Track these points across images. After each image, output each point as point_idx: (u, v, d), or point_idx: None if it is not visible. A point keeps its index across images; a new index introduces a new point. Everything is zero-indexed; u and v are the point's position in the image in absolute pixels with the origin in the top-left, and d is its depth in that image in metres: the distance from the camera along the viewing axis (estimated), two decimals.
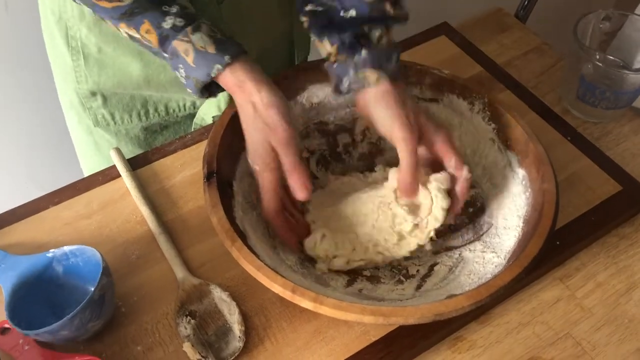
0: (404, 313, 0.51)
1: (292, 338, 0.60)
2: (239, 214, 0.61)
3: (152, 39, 0.58)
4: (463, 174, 0.60)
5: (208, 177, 0.59)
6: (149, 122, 0.83)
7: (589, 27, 0.78)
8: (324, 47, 0.63)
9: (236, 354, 0.58)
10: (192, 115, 0.83)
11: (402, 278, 0.63)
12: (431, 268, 0.64)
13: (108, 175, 0.74)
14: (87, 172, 0.91)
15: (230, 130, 0.63)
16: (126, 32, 0.60)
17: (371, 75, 0.60)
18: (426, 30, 0.90)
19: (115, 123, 0.82)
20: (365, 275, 0.63)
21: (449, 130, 0.63)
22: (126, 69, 0.77)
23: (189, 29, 0.57)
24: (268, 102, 0.58)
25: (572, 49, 0.76)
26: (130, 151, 0.84)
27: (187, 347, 0.58)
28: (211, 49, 0.57)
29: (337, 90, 0.64)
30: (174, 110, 0.83)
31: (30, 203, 0.72)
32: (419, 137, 0.60)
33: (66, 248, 0.60)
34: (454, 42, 0.88)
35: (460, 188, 0.61)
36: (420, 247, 0.62)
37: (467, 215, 0.67)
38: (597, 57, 0.74)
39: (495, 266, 0.59)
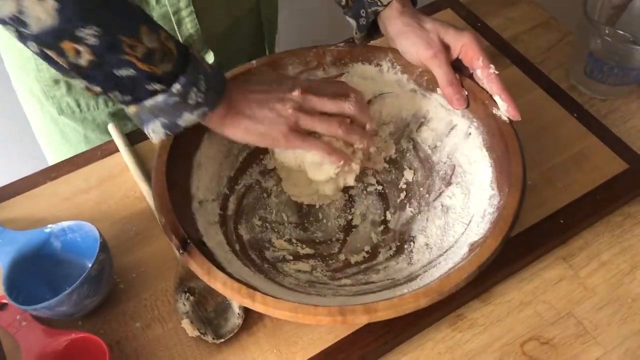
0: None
1: None
2: (232, 268, 0.55)
3: (173, 47, 0.52)
4: (491, 70, 0.62)
5: (184, 246, 0.53)
6: (115, 108, 0.79)
7: (598, 1, 0.76)
8: None
9: (235, 331, 0.58)
10: None
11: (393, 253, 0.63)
12: (423, 229, 0.64)
13: (106, 150, 0.73)
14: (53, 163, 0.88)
15: (172, 188, 0.58)
16: (134, 44, 0.50)
17: None
18: (432, 3, 0.88)
19: (80, 110, 0.79)
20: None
21: (471, 30, 0.64)
22: None
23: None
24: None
25: (581, 24, 0.74)
26: (99, 138, 0.80)
27: (185, 323, 0.58)
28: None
29: (360, 27, 0.69)
30: None
31: (28, 178, 0.71)
32: (445, 48, 0.64)
33: (64, 223, 0.60)
34: (459, 16, 0.87)
35: (495, 84, 0.62)
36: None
37: (425, 168, 0.68)
38: (606, 31, 0.72)
39: (490, 197, 0.59)
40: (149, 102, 0.53)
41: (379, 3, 0.66)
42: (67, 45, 0.48)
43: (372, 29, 0.69)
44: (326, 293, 0.56)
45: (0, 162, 1.32)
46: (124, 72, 0.50)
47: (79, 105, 0.79)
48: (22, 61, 0.76)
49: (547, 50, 0.83)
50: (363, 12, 0.67)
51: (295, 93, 0.59)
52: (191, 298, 0.60)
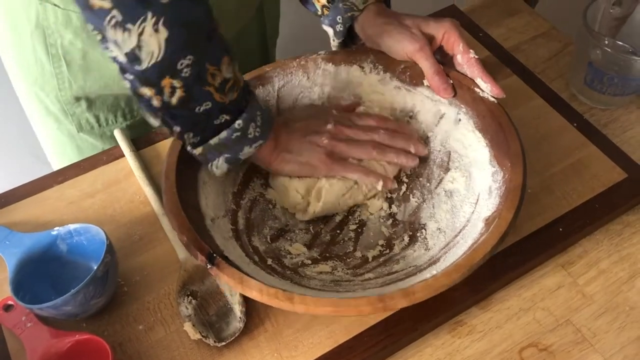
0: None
1: (292, 320, 0.60)
2: (259, 276, 0.56)
3: (240, 77, 0.57)
4: (471, 55, 0.65)
5: (211, 261, 0.54)
6: (133, 120, 0.81)
7: (599, 12, 0.77)
8: (318, 2, 0.70)
9: (236, 335, 0.58)
10: None
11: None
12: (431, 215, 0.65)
13: (112, 155, 0.74)
14: None
15: (185, 207, 0.58)
16: (214, 73, 0.53)
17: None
18: (434, 13, 0.89)
19: (100, 125, 0.81)
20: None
21: (451, 19, 0.68)
22: (114, 71, 0.74)
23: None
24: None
25: (581, 34, 0.75)
26: None
27: (188, 326, 0.58)
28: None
29: (337, 34, 0.70)
30: None
31: (35, 181, 0.72)
32: (429, 40, 0.66)
33: (71, 226, 0.61)
34: (461, 26, 0.87)
35: (476, 68, 0.65)
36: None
37: (421, 158, 0.69)
38: (606, 42, 0.73)
39: (492, 173, 0.61)
40: (214, 141, 0.58)
41: (355, 8, 0.68)
42: (166, 82, 0.51)
43: (348, 37, 0.71)
44: (354, 289, 0.57)
45: (7, 166, 1.33)
46: (202, 107, 0.55)
47: (98, 121, 0.81)
48: (42, 82, 0.77)
49: (547, 60, 0.84)
50: (340, 19, 0.69)
51: (329, 126, 0.65)
52: (193, 301, 0.60)
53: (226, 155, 0.59)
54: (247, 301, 0.60)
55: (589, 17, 0.74)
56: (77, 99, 0.78)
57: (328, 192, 0.65)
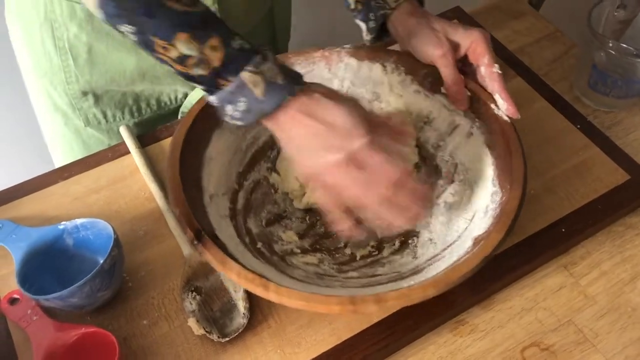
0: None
1: (295, 316, 0.60)
2: (244, 259, 0.56)
3: (216, 57, 0.51)
4: (494, 69, 0.65)
5: (198, 238, 0.54)
6: (141, 118, 0.82)
7: (603, 15, 0.77)
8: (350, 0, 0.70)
9: (240, 330, 0.59)
10: None
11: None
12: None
13: (117, 151, 0.75)
14: None
15: (185, 182, 0.59)
16: (166, 46, 0.50)
17: None
18: (438, 14, 0.89)
19: (107, 121, 0.81)
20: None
21: (481, 29, 0.66)
22: (120, 65, 0.76)
23: (257, 57, 0.52)
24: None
25: (585, 37, 0.75)
26: None
27: (192, 322, 0.59)
28: (280, 80, 0.52)
29: (370, 30, 0.70)
30: (165, 104, 0.83)
31: (40, 177, 0.73)
32: (454, 48, 0.65)
33: (77, 221, 0.61)
34: None
35: (497, 83, 0.64)
36: None
37: (428, 166, 0.69)
38: (611, 45, 0.74)
39: (492, 193, 0.61)
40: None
41: (387, 7, 0.68)
42: (123, 29, 0.51)
43: (382, 31, 0.71)
44: (334, 285, 0.58)
45: (12, 166, 1.34)
46: (167, 67, 0.53)
47: (105, 116, 0.81)
48: (51, 75, 0.78)
49: (552, 62, 0.84)
50: (372, 16, 0.69)
51: (357, 144, 0.52)
52: (198, 297, 0.61)
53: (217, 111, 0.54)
54: (250, 298, 0.61)
55: (593, 20, 0.74)
56: (85, 94, 0.78)
57: None
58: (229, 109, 0.53)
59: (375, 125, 0.53)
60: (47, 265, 0.60)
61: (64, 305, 0.56)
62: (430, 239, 0.63)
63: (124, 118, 0.81)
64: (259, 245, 0.63)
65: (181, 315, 0.61)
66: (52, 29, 0.73)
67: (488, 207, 0.60)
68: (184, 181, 0.58)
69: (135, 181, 0.71)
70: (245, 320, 0.59)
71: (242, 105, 0.52)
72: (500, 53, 0.84)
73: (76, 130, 0.83)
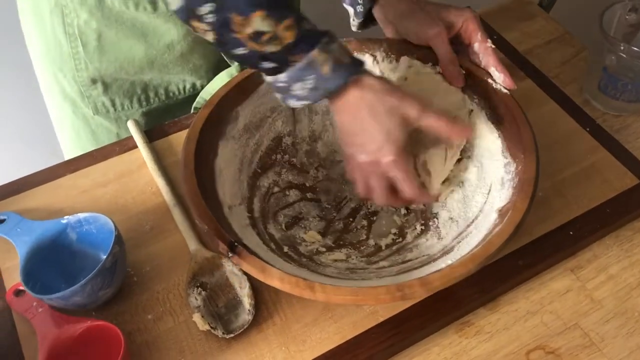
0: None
1: (301, 314, 0.60)
2: (278, 265, 0.56)
3: (289, 35, 0.53)
4: (488, 44, 0.66)
5: (232, 249, 0.54)
6: (149, 107, 0.82)
7: (615, 18, 0.77)
8: None
9: (245, 327, 0.58)
10: (191, 98, 0.82)
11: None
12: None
13: (125, 145, 0.75)
14: None
15: (204, 196, 0.59)
16: (243, 23, 0.51)
17: None
18: None
19: (115, 110, 0.82)
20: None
21: (471, 9, 0.68)
22: (129, 52, 0.76)
23: (325, 38, 0.55)
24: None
25: (596, 40, 0.75)
26: None
27: (196, 317, 0.59)
28: (346, 60, 0.56)
29: (357, 14, 0.71)
30: (173, 94, 0.83)
31: (48, 170, 0.73)
32: (447, 27, 0.66)
33: (80, 215, 0.61)
34: None
35: (492, 57, 0.66)
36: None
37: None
38: (622, 48, 0.73)
39: (505, 165, 0.61)
40: (268, 79, 0.57)
41: None
42: (195, 24, 0.52)
43: (368, 17, 0.72)
44: (370, 277, 0.58)
45: (21, 154, 1.34)
46: (239, 51, 0.54)
47: (114, 105, 0.81)
48: (61, 62, 0.78)
49: (561, 65, 0.84)
50: (360, 0, 0.70)
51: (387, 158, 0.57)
52: (203, 293, 0.61)
53: (281, 95, 0.57)
54: (256, 294, 0.61)
55: (604, 23, 0.74)
56: (94, 81, 0.78)
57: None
58: (297, 87, 0.55)
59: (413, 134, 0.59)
60: (50, 260, 0.59)
61: (66, 304, 0.56)
62: (451, 218, 0.64)
63: (132, 107, 0.81)
64: (286, 249, 0.62)
65: (186, 311, 0.61)
66: (63, 15, 0.74)
67: (504, 178, 0.61)
68: (204, 195, 0.58)
69: (142, 175, 0.71)
70: (250, 317, 0.59)
71: (310, 82, 0.55)
72: (510, 55, 0.84)
73: (85, 118, 0.83)
